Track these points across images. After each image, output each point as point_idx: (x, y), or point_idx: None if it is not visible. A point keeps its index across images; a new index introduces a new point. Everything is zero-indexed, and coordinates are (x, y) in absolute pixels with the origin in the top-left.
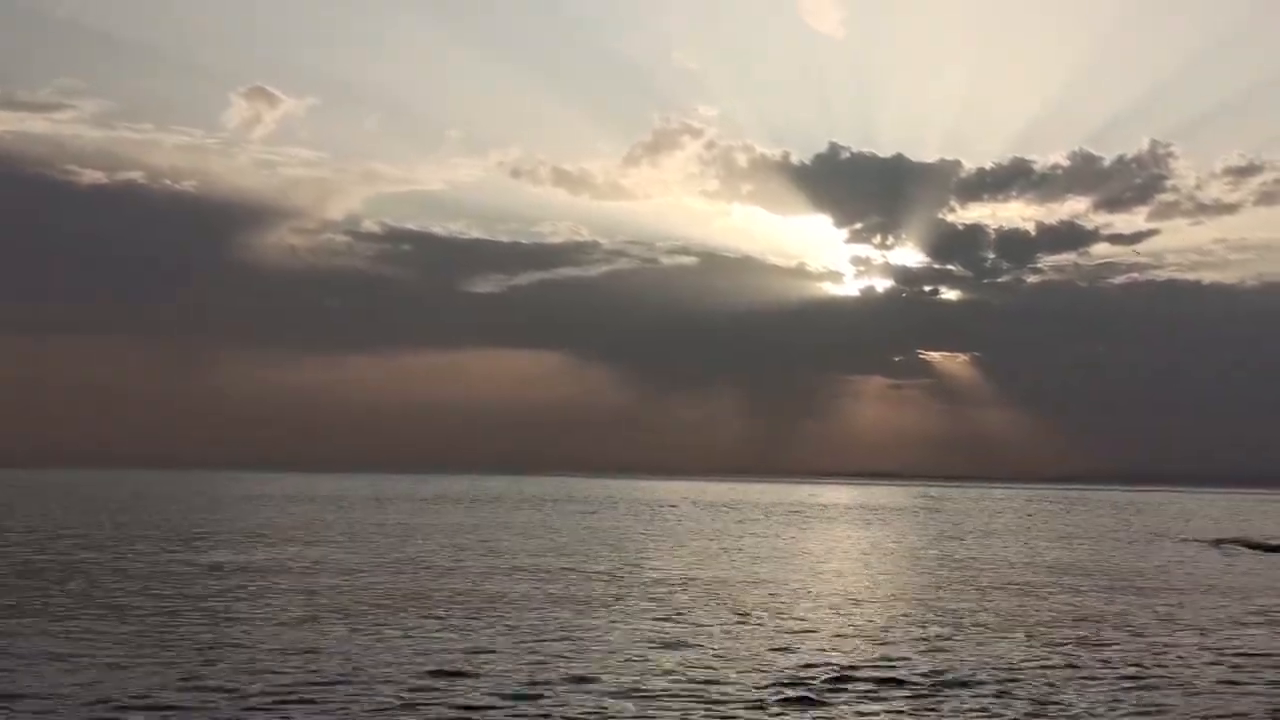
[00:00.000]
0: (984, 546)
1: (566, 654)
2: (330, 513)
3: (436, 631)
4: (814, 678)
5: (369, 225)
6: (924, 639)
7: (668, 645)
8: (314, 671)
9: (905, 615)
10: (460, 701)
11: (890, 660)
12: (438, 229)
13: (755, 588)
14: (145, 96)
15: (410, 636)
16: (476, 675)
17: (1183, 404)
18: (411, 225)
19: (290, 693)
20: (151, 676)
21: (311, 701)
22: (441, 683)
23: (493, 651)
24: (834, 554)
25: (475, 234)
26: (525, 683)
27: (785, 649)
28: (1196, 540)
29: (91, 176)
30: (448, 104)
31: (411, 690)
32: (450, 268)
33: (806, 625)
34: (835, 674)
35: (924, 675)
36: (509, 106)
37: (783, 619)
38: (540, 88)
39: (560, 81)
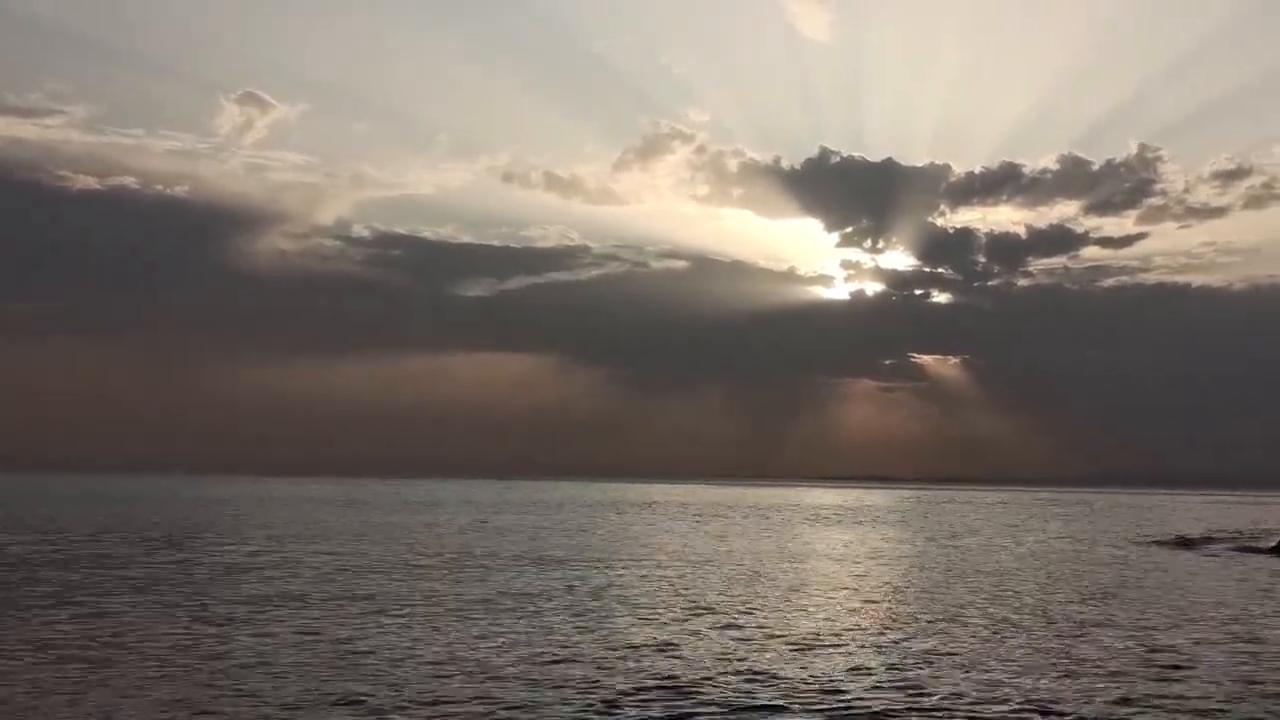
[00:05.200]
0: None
1: None
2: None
3: None
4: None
5: (359, 230)
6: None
7: None
8: None
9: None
10: None
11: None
12: (428, 233)
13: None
14: (135, 101)
15: None
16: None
17: (1171, 406)
18: (401, 229)
19: None
20: None
21: None
22: None
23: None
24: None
25: (465, 238)
26: None
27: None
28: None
29: (83, 182)
30: (438, 108)
31: None
32: (440, 272)
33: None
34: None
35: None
36: (500, 111)
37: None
38: (531, 93)
39: (551, 86)
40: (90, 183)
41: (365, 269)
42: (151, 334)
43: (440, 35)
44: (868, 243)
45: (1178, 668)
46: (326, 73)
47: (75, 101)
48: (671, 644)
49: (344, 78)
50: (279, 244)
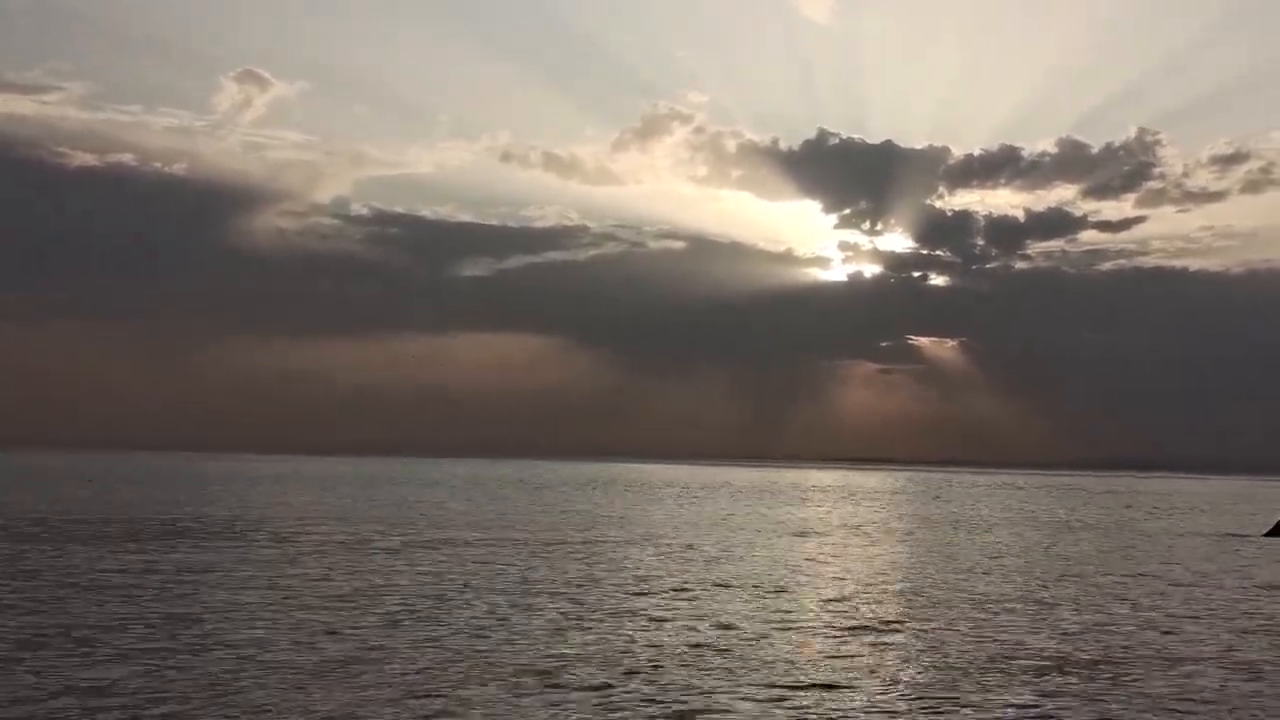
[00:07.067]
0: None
1: None
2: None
3: None
4: None
5: (358, 208)
6: None
7: None
8: None
9: None
10: None
11: None
12: (426, 212)
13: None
14: (134, 78)
15: None
16: None
17: (1168, 390)
18: (400, 209)
19: None
20: None
21: None
22: None
23: None
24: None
25: (464, 217)
26: None
27: None
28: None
29: (81, 159)
30: (438, 89)
31: None
32: (438, 251)
33: None
34: None
35: None
36: (499, 91)
37: None
38: (531, 73)
39: (551, 67)
40: (89, 159)
41: (364, 248)
42: (149, 313)
43: (441, 15)
44: (866, 225)
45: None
46: (326, 51)
47: (74, 78)
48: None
49: (344, 56)
50: (277, 223)
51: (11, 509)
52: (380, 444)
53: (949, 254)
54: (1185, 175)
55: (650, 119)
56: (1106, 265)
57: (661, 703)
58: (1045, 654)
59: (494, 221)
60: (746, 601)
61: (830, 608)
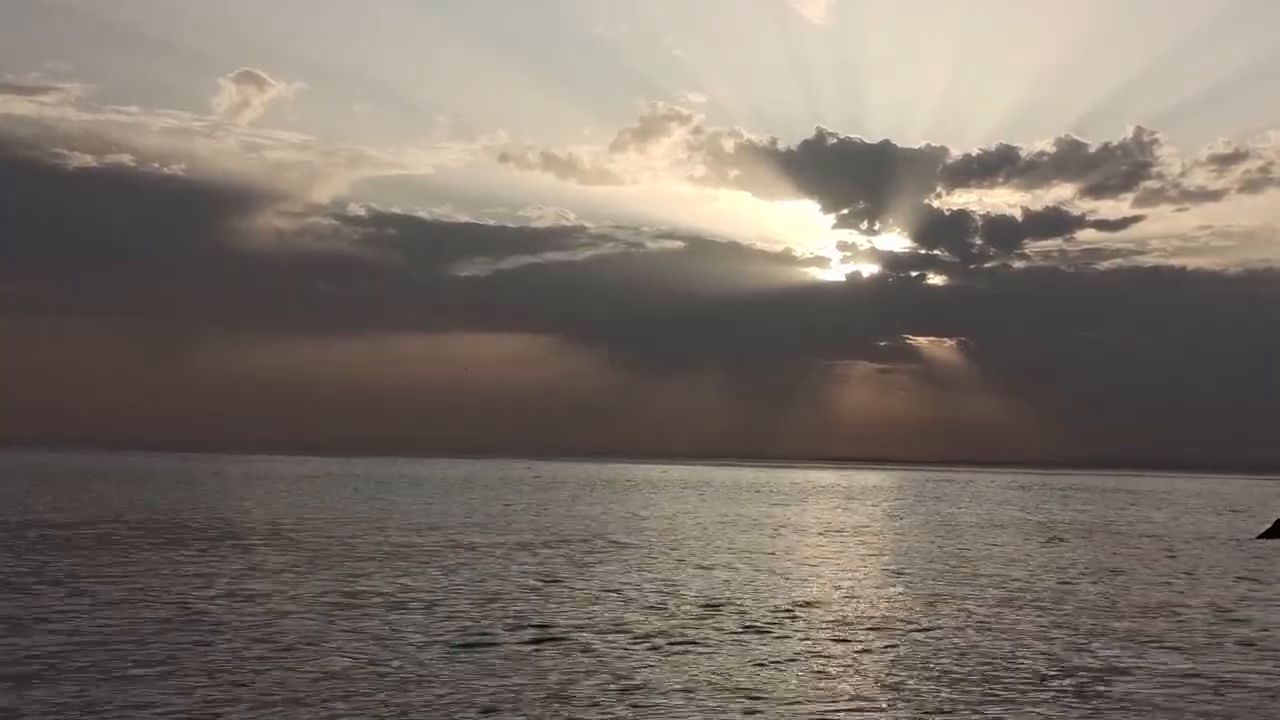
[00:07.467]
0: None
1: None
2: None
3: None
4: None
5: (355, 209)
6: None
7: None
8: None
9: None
10: None
11: None
12: (424, 213)
13: None
14: (132, 79)
15: None
16: None
17: (1166, 390)
18: (397, 209)
19: None
20: None
21: None
22: None
23: None
24: None
25: (462, 218)
26: None
27: None
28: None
29: (80, 159)
30: (436, 88)
31: None
32: (436, 251)
33: None
34: None
35: None
36: (497, 91)
37: None
38: (529, 73)
39: (549, 67)
40: (87, 160)
41: (361, 248)
42: (147, 314)
43: (439, 15)
44: (864, 224)
45: None
46: (324, 52)
47: (72, 79)
48: None
49: (342, 57)
50: (275, 223)
51: (11, 510)
52: (378, 444)
53: (947, 253)
54: (1183, 174)
55: (648, 119)
56: (1104, 264)
57: (646, 705)
58: (1037, 657)
59: (491, 222)
60: (740, 600)
61: (825, 609)
